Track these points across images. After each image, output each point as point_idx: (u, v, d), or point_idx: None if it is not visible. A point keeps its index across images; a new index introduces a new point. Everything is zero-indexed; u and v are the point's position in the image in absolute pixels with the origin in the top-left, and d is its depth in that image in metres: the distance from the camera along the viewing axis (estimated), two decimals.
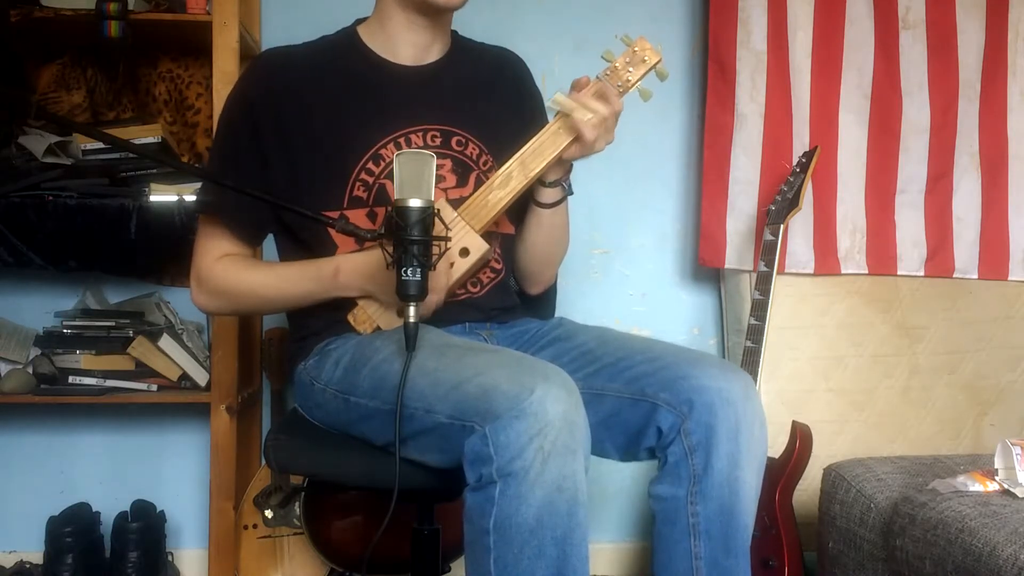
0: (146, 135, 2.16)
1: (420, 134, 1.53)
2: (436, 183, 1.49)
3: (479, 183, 1.52)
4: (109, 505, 2.26)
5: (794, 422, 2.09)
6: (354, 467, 1.43)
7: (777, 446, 2.05)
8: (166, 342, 2.16)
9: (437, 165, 1.50)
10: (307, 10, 2.35)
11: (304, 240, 1.54)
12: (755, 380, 2.03)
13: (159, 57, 2.31)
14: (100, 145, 2.08)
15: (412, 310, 1.26)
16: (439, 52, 1.60)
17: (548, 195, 1.55)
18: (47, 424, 2.36)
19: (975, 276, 2.41)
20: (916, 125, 2.36)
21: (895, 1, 2.35)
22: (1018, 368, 2.43)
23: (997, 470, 1.63)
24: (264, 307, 1.63)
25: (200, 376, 2.17)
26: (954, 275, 2.40)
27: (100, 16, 1.98)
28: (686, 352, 1.42)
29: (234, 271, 1.53)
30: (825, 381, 2.36)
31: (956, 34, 2.37)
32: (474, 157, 1.56)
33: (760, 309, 2.08)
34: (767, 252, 2.10)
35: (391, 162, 1.45)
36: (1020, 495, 1.56)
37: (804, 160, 2.19)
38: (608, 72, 1.45)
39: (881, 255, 2.36)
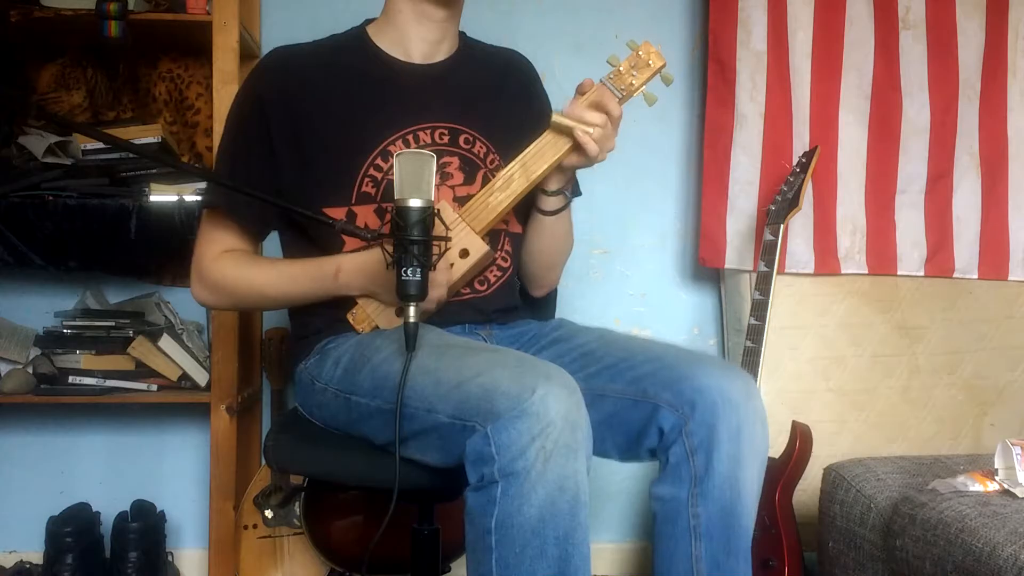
0: (146, 135, 2.15)
1: (428, 131, 1.54)
2: (443, 181, 1.50)
3: (486, 181, 1.53)
4: (109, 505, 2.26)
5: (794, 422, 2.09)
6: (354, 467, 1.43)
7: (777, 446, 2.05)
8: (166, 342, 2.16)
9: (444, 162, 1.51)
10: (307, 10, 2.36)
11: (311, 237, 1.54)
12: (755, 380, 2.03)
13: (159, 57, 2.31)
14: (100, 145, 2.08)
15: (412, 310, 1.26)
16: (448, 51, 1.61)
17: (550, 203, 1.56)
18: (47, 424, 2.36)
19: (975, 276, 2.41)
20: (916, 125, 2.36)
21: (895, 1, 2.35)
22: (1018, 368, 2.43)
23: (997, 470, 1.63)
24: (264, 303, 1.64)
25: (200, 376, 2.17)
26: (954, 275, 2.40)
27: (100, 16, 1.98)
28: (688, 353, 1.43)
29: (235, 266, 1.53)
30: (825, 381, 2.36)
31: (956, 34, 2.37)
32: (481, 155, 1.56)
33: (760, 309, 2.08)
34: (767, 252, 2.10)
35: None
36: (1020, 495, 1.56)
37: (804, 160, 2.19)
38: (612, 76, 1.45)
39: (881, 255, 2.36)
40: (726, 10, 2.31)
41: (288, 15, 2.37)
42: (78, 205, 2.04)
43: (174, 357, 2.17)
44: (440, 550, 1.53)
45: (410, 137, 1.52)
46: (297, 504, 2.15)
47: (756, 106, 2.31)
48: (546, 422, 1.14)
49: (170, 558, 2.27)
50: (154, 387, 2.16)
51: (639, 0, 2.44)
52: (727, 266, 2.35)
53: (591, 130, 1.42)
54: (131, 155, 2.07)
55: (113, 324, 2.17)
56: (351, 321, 1.49)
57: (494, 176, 1.51)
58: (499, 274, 1.58)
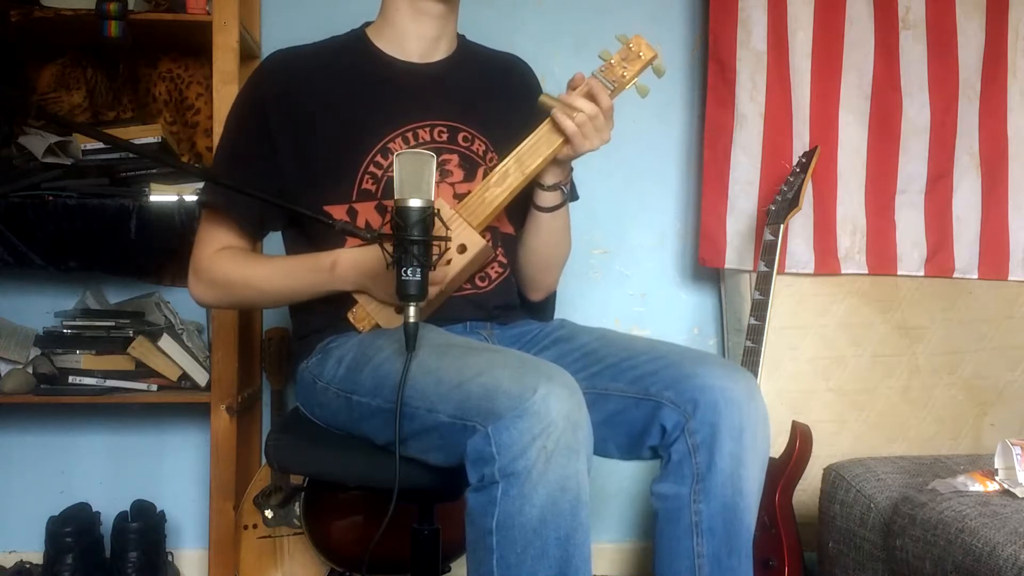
0: (146, 135, 2.15)
1: (428, 129, 1.54)
2: (443, 178, 1.51)
3: None
4: (109, 505, 2.26)
5: (794, 422, 2.09)
6: (355, 466, 1.43)
7: (777, 446, 2.05)
8: (166, 342, 2.16)
9: (444, 160, 1.51)
10: (307, 10, 2.36)
11: (312, 236, 1.54)
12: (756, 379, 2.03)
13: (159, 57, 2.31)
14: (100, 145, 2.08)
15: (412, 310, 1.26)
16: (446, 50, 1.61)
17: (547, 199, 1.56)
18: (47, 424, 2.36)
19: (975, 276, 2.41)
20: (916, 125, 2.36)
21: (895, 1, 2.35)
22: (1018, 368, 2.43)
23: (997, 470, 1.63)
24: (261, 299, 1.64)
25: (200, 376, 2.17)
26: (954, 275, 2.40)
27: (100, 16, 1.98)
28: (690, 352, 1.43)
29: (233, 263, 1.54)
30: (825, 381, 2.36)
31: (956, 34, 2.37)
32: (480, 153, 1.57)
33: (760, 309, 2.08)
34: (767, 252, 2.10)
35: None
36: (1020, 495, 1.56)
37: (804, 160, 2.19)
38: (603, 69, 1.46)
39: (881, 255, 2.36)
40: (726, 10, 2.31)
41: (288, 15, 2.37)
42: (78, 205, 2.04)
43: (174, 357, 2.17)
44: (440, 550, 1.53)
45: (409, 135, 1.53)
46: (297, 504, 2.15)
47: (756, 106, 2.31)
48: (547, 422, 1.14)
49: (170, 558, 2.27)
50: (154, 387, 2.16)
51: (639, 0, 2.44)
52: (727, 266, 2.35)
53: (574, 114, 1.42)
54: (131, 155, 2.07)
55: (113, 324, 2.17)
56: (351, 320, 1.49)
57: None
58: (500, 270, 1.58)
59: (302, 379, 1.54)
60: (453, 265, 1.43)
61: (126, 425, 2.38)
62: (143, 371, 2.17)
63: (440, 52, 1.61)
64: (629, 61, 1.46)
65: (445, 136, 1.55)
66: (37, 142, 2.08)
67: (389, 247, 1.27)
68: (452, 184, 1.53)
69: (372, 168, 1.51)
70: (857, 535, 1.79)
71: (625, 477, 2.46)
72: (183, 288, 2.28)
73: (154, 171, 2.08)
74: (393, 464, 1.25)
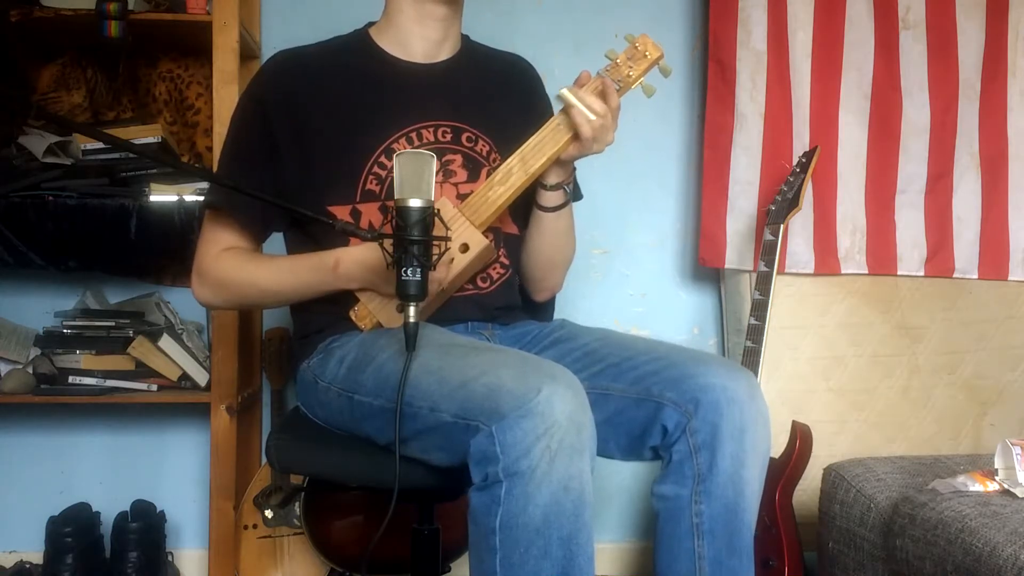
0: (146, 135, 2.15)
1: (431, 129, 1.54)
2: (447, 178, 1.51)
3: None
4: (109, 505, 2.26)
5: (794, 422, 2.10)
6: (356, 466, 1.43)
7: (777, 446, 2.05)
8: (166, 342, 2.16)
9: (447, 160, 1.51)
10: (307, 10, 2.36)
11: (315, 237, 1.54)
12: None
13: (159, 57, 2.31)
14: (100, 145, 2.08)
15: (412, 310, 1.26)
16: (450, 51, 1.62)
17: (550, 199, 1.55)
18: (47, 424, 2.36)
19: (975, 276, 2.41)
20: (916, 125, 2.36)
21: (895, 1, 2.35)
22: (1018, 368, 2.43)
23: (997, 470, 1.63)
24: (265, 300, 1.64)
25: (200, 376, 2.17)
26: (954, 275, 2.40)
27: (100, 16, 1.98)
28: (691, 352, 1.43)
29: (236, 263, 1.54)
30: (825, 381, 2.36)
31: (956, 34, 2.37)
32: (484, 153, 1.57)
33: (760, 309, 2.08)
34: (767, 252, 2.10)
35: None
36: (1020, 495, 1.56)
37: (804, 160, 2.19)
38: (609, 68, 1.46)
39: (881, 255, 2.36)
40: (726, 10, 2.31)
41: (288, 15, 2.37)
42: (78, 205, 2.03)
43: (174, 357, 2.17)
44: (440, 550, 1.53)
45: (413, 135, 1.53)
46: (297, 504, 2.15)
47: (756, 106, 2.31)
48: (551, 422, 1.14)
49: (170, 558, 2.27)
50: (154, 387, 2.16)
51: (639, 0, 2.44)
52: (727, 266, 2.35)
53: (591, 116, 1.42)
54: (131, 155, 2.07)
55: (113, 324, 2.17)
56: (353, 318, 1.49)
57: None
58: (502, 271, 1.58)
59: (303, 379, 1.54)
60: (456, 264, 1.43)
61: (126, 425, 2.38)
62: (143, 371, 2.17)
63: (444, 53, 1.61)
64: (635, 60, 1.46)
65: (449, 136, 1.55)
66: (37, 142, 2.08)
67: (389, 247, 1.27)
68: (455, 184, 1.53)
69: (376, 169, 1.51)
70: (857, 535, 1.79)
71: (626, 477, 2.46)
72: (183, 288, 2.29)
73: (154, 171, 2.08)
74: (393, 464, 1.25)
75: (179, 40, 2.23)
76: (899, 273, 2.38)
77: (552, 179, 1.53)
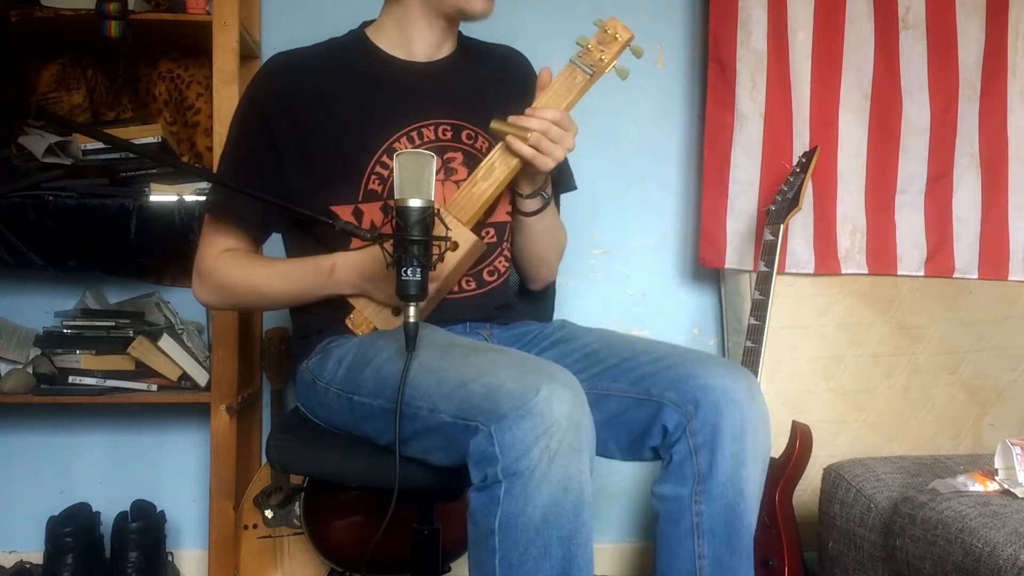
0: (146, 135, 2.16)
1: (432, 128, 1.54)
2: (448, 176, 1.51)
3: None
4: (109, 505, 2.25)
5: (794, 422, 2.09)
6: (356, 467, 1.43)
7: (777, 446, 2.05)
8: (166, 342, 2.16)
9: (448, 158, 1.51)
10: (307, 10, 2.36)
11: (316, 238, 1.55)
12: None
13: (159, 57, 2.31)
14: (100, 145, 2.08)
15: (412, 310, 1.26)
16: (448, 49, 1.62)
17: (528, 205, 1.56)
18: (47, 424, 2.36)
19: (975, 276, 2.41)
20: (916, 125, 2.36)
21: (895, 1, 2.35)
22: (1018, 368, 2.43)
23: (997, 470, 1.63)
24: (263, 303, 1.65)
25: (200, 376, 2.17)
26: (954, 275, 2.40)
27: (100, 16, 1.98)
28: (691, 352, 1.43)
29: (235, 265, 1.54)
30: (825, 381, 2.36)
31: (956, 34, 2.37)
32: (484, 150, 1.57)
33: (760, 309, 2.08)
34: (767, 252, 2.10)
35: None
36: (1020, 495, 1.56)
37: (804, 160, 2.19)
38: (581, 54, 1.46)
39: (881, 255, 2.36)
40: (726, 10, 2.31)
41: (288, 15, 2.37)
42: (78, 205, 2.03)
43: (174, 357, 2.17)
44: (440, 550, 1.53)
45: (414, 134, 1.53)
46: (297, 504, 2.15)
47: (756, 106, 2.31)
48: (550, 422, 1.14)
49: (170, 558, 2.27)
50: (154, 387, 2.16)
51: (639, 0, 2.44)
52: (727, 266, 2.35)
53: (527, 135, 1.41)
54: (131, 155, 2.07)
55: (113, 324, 2.17)
56: (349, 326, 1.49)
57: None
58: (507, 264, 1.60)
59: (302, 379, 1.54)
60: (446, 263, 1.43)
61: (126, 425, 2.38)
62: (143, 371, 2.17)
63: (443, 52, 1.61)
64: (606, 44, 1.46)
65: (449, 134, 1.55)
66: (37, 142, 2.08)
67: (389, 247, 1.27)
68: (457, 182, 1.54)
69: (378, 168, 1.51)
70: (857, 535, 1.79)
71: (626, 477, 2.46)
72: (183, 288, 2.29)
73: (154, 171, 2.08)
74: (393, 464, 1.25)
75: (179, 40, 2.23)
76: (899, 273, 2.38)
77: (526, 188, 1.53)
